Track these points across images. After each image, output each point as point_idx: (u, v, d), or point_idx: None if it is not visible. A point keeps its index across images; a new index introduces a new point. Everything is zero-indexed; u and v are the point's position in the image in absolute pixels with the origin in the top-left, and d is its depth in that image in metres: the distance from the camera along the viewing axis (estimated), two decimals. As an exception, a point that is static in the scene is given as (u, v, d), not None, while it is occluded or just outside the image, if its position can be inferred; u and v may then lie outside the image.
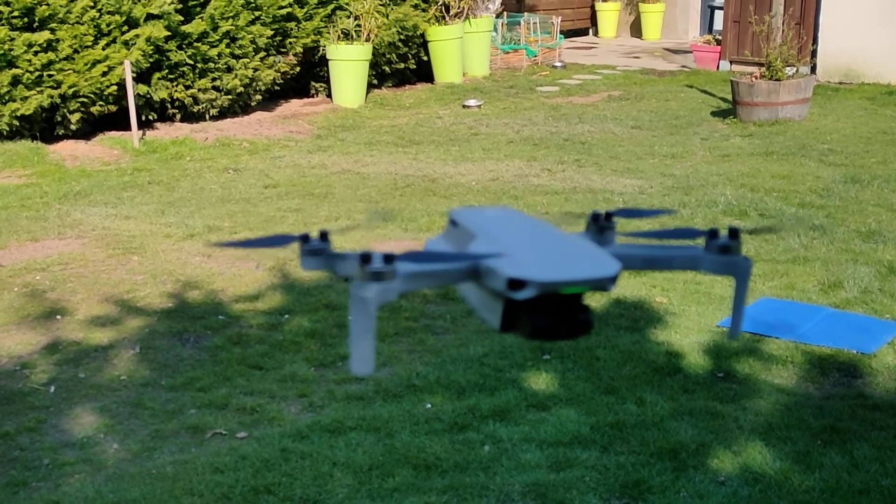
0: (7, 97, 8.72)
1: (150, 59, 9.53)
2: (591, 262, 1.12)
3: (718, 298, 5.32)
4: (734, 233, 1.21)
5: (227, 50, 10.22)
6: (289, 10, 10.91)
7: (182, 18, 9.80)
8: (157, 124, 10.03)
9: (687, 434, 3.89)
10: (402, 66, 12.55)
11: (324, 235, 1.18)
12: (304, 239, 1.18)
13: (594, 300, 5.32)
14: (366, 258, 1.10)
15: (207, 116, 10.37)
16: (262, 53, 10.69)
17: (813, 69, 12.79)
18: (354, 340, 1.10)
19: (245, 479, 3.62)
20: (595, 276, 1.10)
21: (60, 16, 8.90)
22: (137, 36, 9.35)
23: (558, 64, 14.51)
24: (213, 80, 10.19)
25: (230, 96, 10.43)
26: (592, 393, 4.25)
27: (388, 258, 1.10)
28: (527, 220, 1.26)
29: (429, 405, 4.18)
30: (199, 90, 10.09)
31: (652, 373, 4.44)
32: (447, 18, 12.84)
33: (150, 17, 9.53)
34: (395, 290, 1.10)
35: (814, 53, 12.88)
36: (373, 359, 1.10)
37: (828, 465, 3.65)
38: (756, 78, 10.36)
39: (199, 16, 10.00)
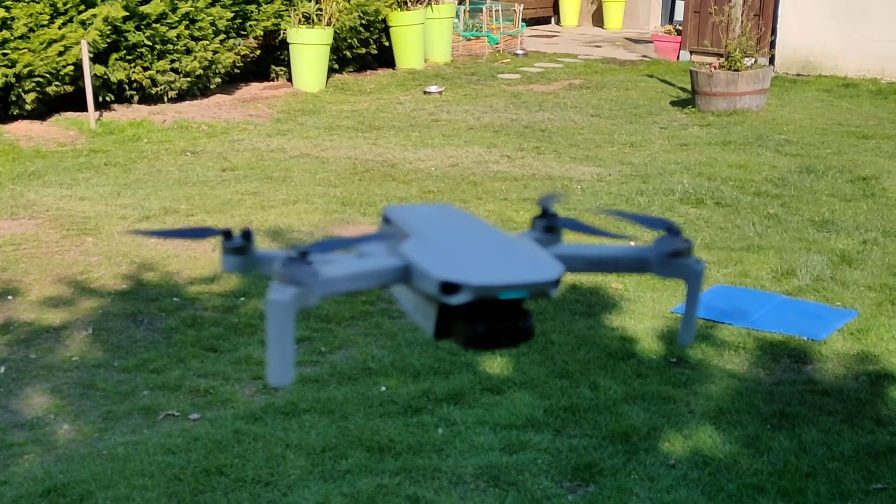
0: (-40, 76, 8.59)
1: (108, 40, 9.42)
2: (530, 265, 1.03)
3: (673, 285, 5.35)
4: (678, 232, 1.13)
5: (187, 32, 10.12)
6: (249, -8, 10.83)
7: (140, -1, 9.70)
8: (115, 106, 9.92)
9: (639, 418, 3.92)
10: (364, 51, 12.50)
11: (246, 234, 1.07)
12: (227, 235, 1.06)
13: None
14: (285, 259, 1.00)
15: (166, 99, 10.27)
16: (222, 36, 10.60)
17: (771, 60, 12.90)
18: (272, 349, 0.99)
19: (197, 460, 3.60)
20: (534, 279, 1.01)
21: (16, -6, 8.77)
22: (95, 16, 9.24)
23: (520, 52, 14.52)
24: (172, 62, 10.10)
25: (189, 79, 10.34)
26: (546, 377, 4.27)
27: (304, 255, 1.01)
28: (465, 218, 1.16)
29: (384, 388, 4.18)
30: (157, 72, 10.00)
31: (606, 357, 4.47)
32: (409, 4, 12.80)
33: (107, -4, 9.41)
34: (315, 292, 1.00)
35: (772, 45, 12.98)
36: (292, 369, 1.00)
37: (776, 449, 3.70)
38: (715, 68, 10.44)
39: (158, -4, 9.90)
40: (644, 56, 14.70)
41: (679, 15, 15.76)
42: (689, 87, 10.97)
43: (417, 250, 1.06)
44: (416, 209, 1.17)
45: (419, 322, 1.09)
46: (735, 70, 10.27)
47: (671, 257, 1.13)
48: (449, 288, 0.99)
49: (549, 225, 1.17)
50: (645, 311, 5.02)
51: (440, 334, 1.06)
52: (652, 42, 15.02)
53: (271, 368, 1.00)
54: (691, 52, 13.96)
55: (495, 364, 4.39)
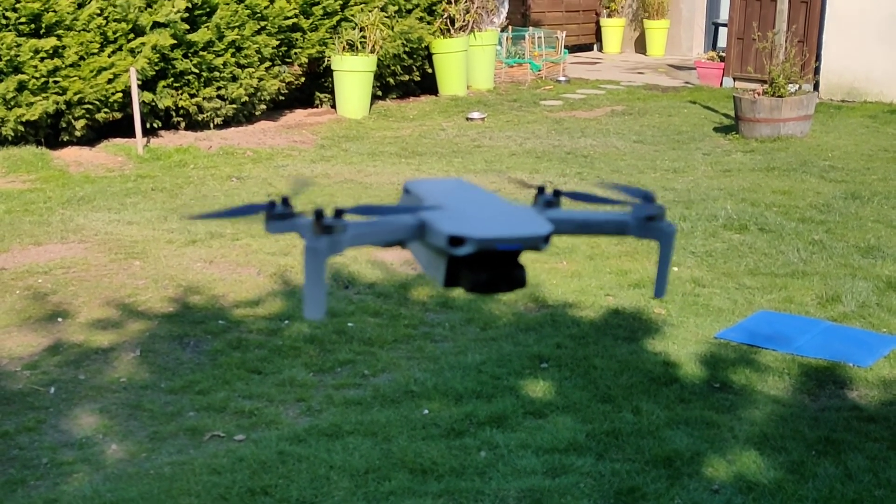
0: (13, 103, 8.77)
1: (156, 67, 9.59)
2: (525, 223, 1.22)
3: (717, 310, 5.34)
4: (652, 198, 1.34)
5: (233, 59, 10.28)
6: (294, 20, 10.97)
7: (188, 27, 9.85)
8: (162, 132, 10.08)
9: (682, 443, 3.91)
10: (407, 77, 12.60)
11: (286, 201, 1.26)
12: (271, 206, 1.26)
13: (593, 311, 5.35)
14: (319, 214, 1.20)
15: (212, 125, 10.42)
16: (268, 63, 10.75)
17: (816, 86, 12.84)
18: (308, 288, 1.18)
19: (242, 480, 3.64)
20: (527, 234, 1.19)
21: (67, 23, 8.96)
22: (143, 44, 9.41)
23: (562, 78, 14.57)
24: (218, 88, 10.25)
25: (235, 105, 10.48)
26: (589, 401, 4.27)
27: (339, 214, 1.21)
28: (475, 189, 1.36)
29: (426, 411, 4.21)
30: (203, 99, 10.14)
31: (648, 382, 4.46)
32: (452, 31, 12.90)
33: (156, 25, 9.59)
34: (344, 242, 1.20)
35: (817, 71, 12.92)
36: (324, 305, 1.19)
37: (822, 475, 3.67)
38: (759, 94, 10.40)
39: (205, 25, 10.06)
40: (687, 82, 14.68)
41: (722, 41, 15.72)
42: (732, 113, 10.94)
43: (431, 211, 1.26)
44: (432, 182, 1.39)
45: (432, 274, 1.28)
46: (779, 96, 10.23)
47: (647, 221, 1.33)
48: (455, 241, 1.18)
49: (548, 200, 1.37)
50: (688, 335, 5.00)
51: (449, 283, 1.25)
52: (695, 68, 15.00)
53: (308, 305, 1.19)
54: (734, 79, 13.92)
55: (538, 388, 4.40)
